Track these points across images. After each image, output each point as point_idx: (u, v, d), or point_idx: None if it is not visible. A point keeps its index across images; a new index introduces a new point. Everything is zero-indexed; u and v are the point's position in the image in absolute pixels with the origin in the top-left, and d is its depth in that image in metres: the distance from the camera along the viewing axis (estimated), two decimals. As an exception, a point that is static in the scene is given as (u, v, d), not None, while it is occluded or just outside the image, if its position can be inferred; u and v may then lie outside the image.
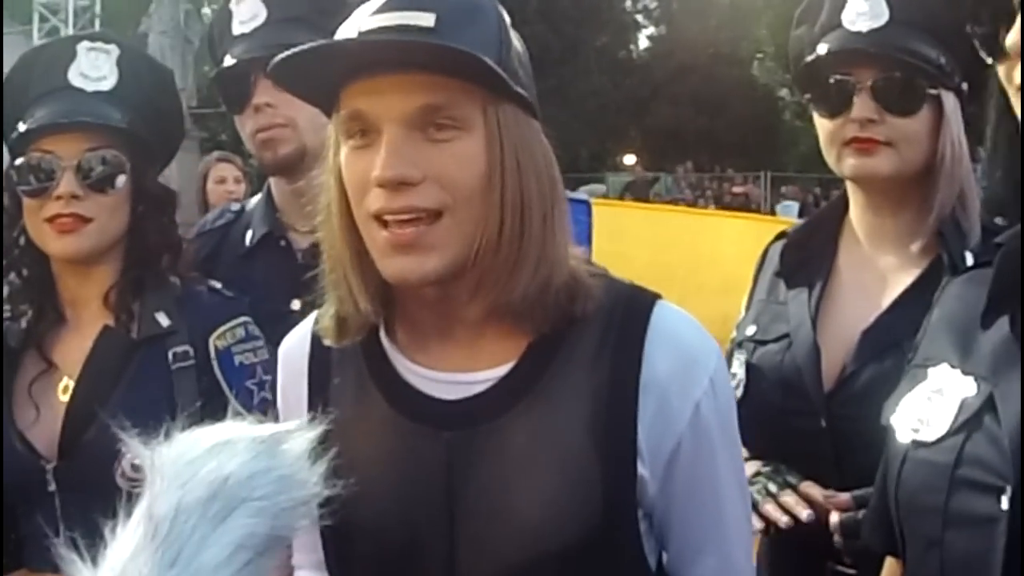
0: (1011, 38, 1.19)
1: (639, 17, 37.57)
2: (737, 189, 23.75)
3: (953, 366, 1.36)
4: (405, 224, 1.36)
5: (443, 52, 1.33)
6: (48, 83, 2.16)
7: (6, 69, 2.24)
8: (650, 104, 32.04)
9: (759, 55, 33.75)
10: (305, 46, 1.34)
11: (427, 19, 1.36)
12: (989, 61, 1.24)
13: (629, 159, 29.55)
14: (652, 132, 31.69)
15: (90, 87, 2.16)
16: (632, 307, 1.49)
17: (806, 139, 29.09)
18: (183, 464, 1.17)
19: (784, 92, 32.11)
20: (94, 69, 2.17)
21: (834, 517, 1.90)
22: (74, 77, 2.15)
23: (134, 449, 1.20)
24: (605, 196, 22.78)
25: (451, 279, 1.41)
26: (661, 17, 37.14)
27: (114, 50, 2.20)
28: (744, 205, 22.46)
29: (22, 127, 2.11)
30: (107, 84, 2.17)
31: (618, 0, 35.48)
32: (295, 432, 1.27)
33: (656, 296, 1.52)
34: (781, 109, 32.59)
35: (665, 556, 1.53)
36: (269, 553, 1.19)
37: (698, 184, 24.78)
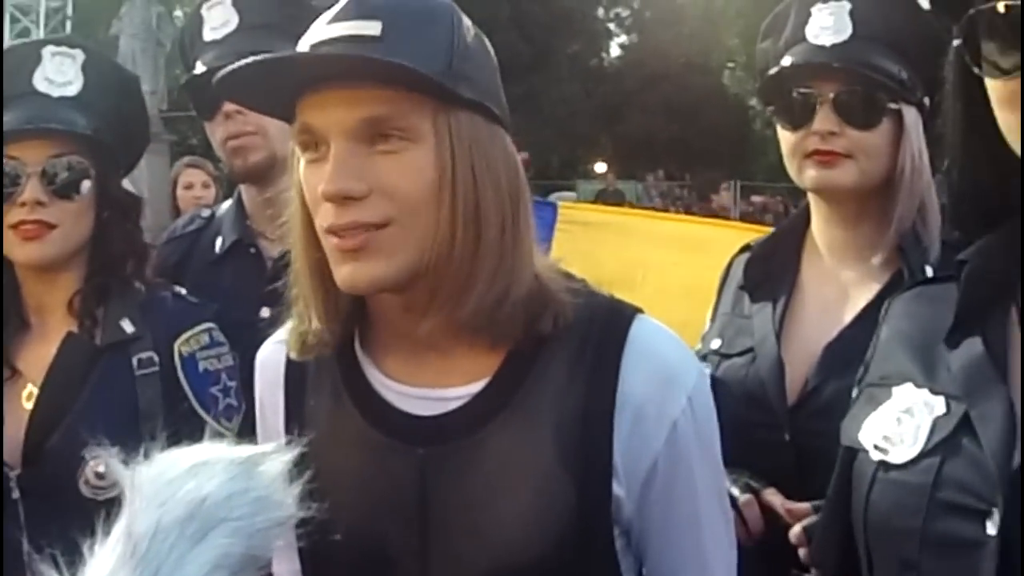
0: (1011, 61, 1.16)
1: (611, 25, 37.63)
2: (710, 197, 23.80)
3: (919, 385, 1.33)
4: (355, 230, 1.35)
5: (380, 66, 1.32)
6: (12, 87, 2.13)
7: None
8: (622, 112, 32.05)
9: (730, 64, 33.86)
10: (246, 61, 1.33)
11: (374, 28, 1.35)
12: (976, 71, 1.22)
13: (600, 167, 29.53)
14: (623, 140, 31.68)
15: (55, 92, 2.14)
16: (610, 323, 1.47)
17: (775, 149, 29.04)
18: (162, 484, 1.18)
19: (755, 102, 32.16)
20: (59, 74, 2.15)
21: (796, 528, 1.90)
22: (39, 82, 2.13)
23: (112, 468, 1.20)
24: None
25: (403, 288, 1.40)
26: (633, 25, 37.22)
27: (79, 55, 2.18)
28: (714, 213, 22.52)
29: None
30: (72, 89, 2.15)
31: (590, 8, 35.49)
32: (272, 454, 1.27)
33: (636, 311, 1.50)
34: (752, 118, 32.66)
35: (644, 573, 1.52)
36: (244, 573, 1.19)
37: (668, 192, 24.82)
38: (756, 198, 23.29)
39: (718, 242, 2.43)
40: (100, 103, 2.18)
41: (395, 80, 1.33)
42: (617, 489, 1.42)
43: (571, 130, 29.68)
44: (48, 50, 2.17)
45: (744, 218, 21.56)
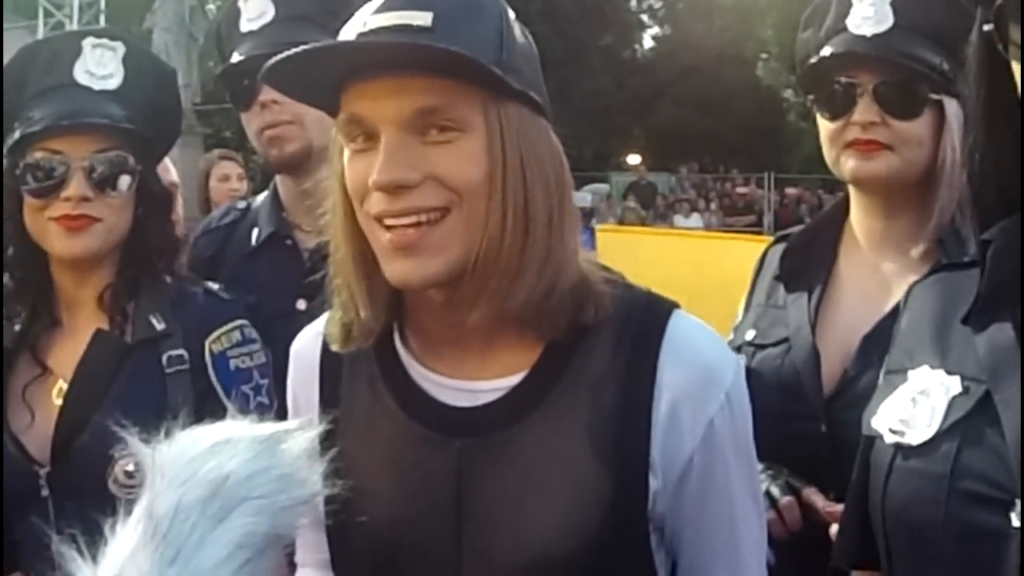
0: None
1: (644, 17, 37.53)
2: (740, 190, 23.73)
3: (934, 367, 1.32)
4: (408, 226, 1.34)
5: (436, 53, 1.30)
6: (52, 79, 2.11)
7: (11, 65, 2.21)
8: (654, 104, 32.01)
9: (763, 56, 33.69)
10: (296, 50, 1.32)
11: (424, 18, 1.34)
12: (1004, 54, 1.21)
13: (633, 159, 29.52)
14: (656, 132, 31.65)
15: (96, 85, 2.12)
16: (648, 317, 1.46)
17: (810, 140, 28.98)
18: (183, 463, 1.18)
19: (788, 93, 32.03)
20: (100, 67, 2.13)
21: (835, 527, 1.89)
22: (80, 74, 2.11)
23: (133, 447, 1.20)
24: (609, 196, 22.80)
25: (453, 282, 1.38)
26: (665, 17, 37.11)
27: (120, 47, 2.17)
28: (748, 206, 22.47)
29: (23, 126, 2.07)
30: (113, 83, 2.14)
31: (622, 0, 35.45)
32: (295, 431, 1.26)
33: (674, 305, 1.49)
34: (785, 110, 32.53)
35: (678, 568, 1.50)
36: (268, 551, 1.19)
37: (701, 184, 24.76)
38: (790, 190, 23.20)
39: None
40: (139, 97, 2.17)
41: (450, 70, 1.32)
42: (653, 483, 1.41)
43: (604, 122, 29.64)
44: (88, 42, 2.15)
45: (778, 210, 21.51)
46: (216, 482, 1.16)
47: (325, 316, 1.57)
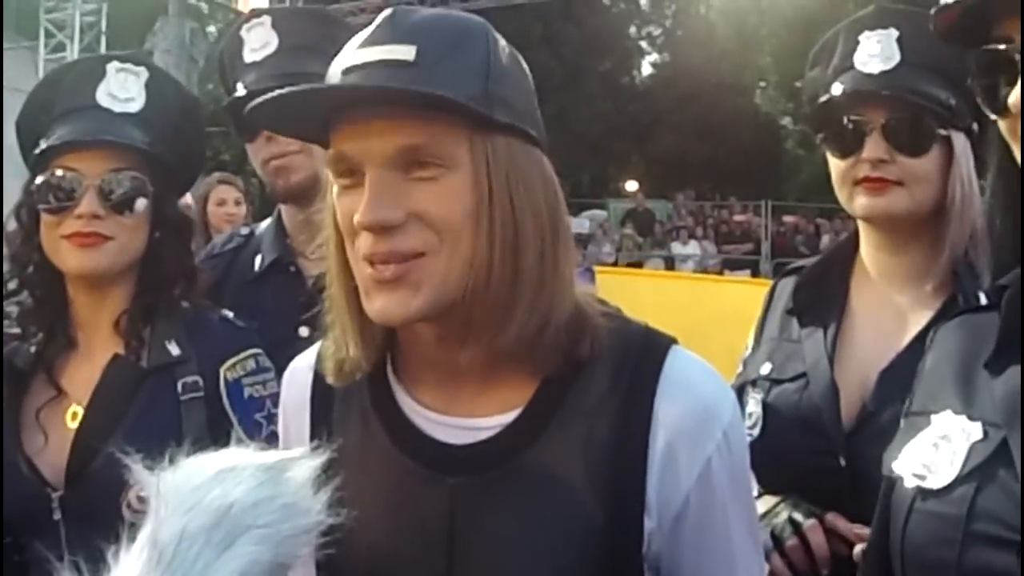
0: (1013, 97, 1.19)
1: (643, 44, 37.66)
2: (738, 218, 23.73)
3: (957, 412, 1.32)
4: (389, 263, 1.33)
5: (416, 96, 1.30)
6: (75, 101, 2.15)
7: (14, 83, 2.23)
8: (653, 131, 32.07)
9: (762, 84, 33.77)
10: (278, 93, 1.31)
11: (408, 52, 1.33)
12: (992, 117, 1.24)
13: (631, 185, 29.56)
14: (654, 159, 31.71)
15: (117, 108, 2.15)
16: (646, 352, 1.45)
17: (808, 168, 29.09)
18: (188, 491, 1.17)
19: (786, 121, 32.13)
20: (122, 90, 2.16)
21: (858, 548, 1.87)
22: (102, 97, 2.15)
23: (138, 475, 1.19)
24: (605, 223, 22.81)
25: (439, 318, 1.37)
26: (664, 44, 37.23)
27: (143, 72, 2.20)
28: (745, 233, 22.45)
29: (44, 143, 2.10)
30: (134, 106, 2.17)
31: (622, 27, 35.58)
32: (299, 460, 1.26)
33: (671, 341, 1.48)
34: (783, 138, 32.60)
35: None
36: None
37: (699, 212, 24.76)
38: (787, 218, 23.19)
39: (758, 298, 2.42)
40: (160, 122, 2.19)
41: (433, 108, 1.31)
42: (648, 524, 1.40)
43: (602, 148, 29.73)
44: (113, 66, 2.18)
45: (775, 238, 21.50)
46: (221, 510, 1.16)
47: (318, 345, 1.56)
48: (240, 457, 1.24)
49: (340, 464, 1.44)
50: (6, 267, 2.19)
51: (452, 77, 1.32)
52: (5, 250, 2.19)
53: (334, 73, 1.39)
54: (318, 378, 1.56)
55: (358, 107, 1.34)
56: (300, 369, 1.63)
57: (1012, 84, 1.18)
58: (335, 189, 1.40)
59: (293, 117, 1.40)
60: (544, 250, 1.39)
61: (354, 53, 1.37)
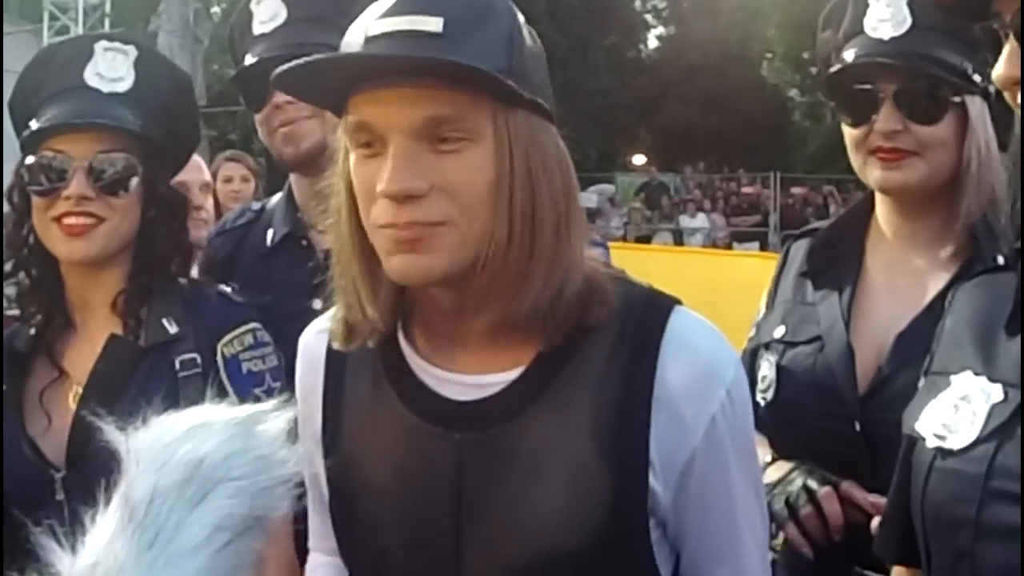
0: (996, 71, 1.22)
1: (648, 17, 37.56)
2: (746, 190, 23.71)
3: (977, 373, 1.34)
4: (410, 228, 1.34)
5: (447, 66, 1.30)
6: (63, 82, 2.13)
7: (18, 66, 2.22)
8: (660, 104, 32.01)
9: (768, 55, 33.72)
10: (307, 59, 1.32)
11: (435, 23, 1.33)
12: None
13: (639, 159, 29.53)
14: (661, 132, 31.68)
15: (106, 88, 2.13)
16: (649, 313, 1.46)
17: (815, 139, 29.07)
18: (159, 448, 1.19)
19: (794, 92, 32.09)
20: (111, 70, 2.14)
21: (876, 521, 1.86)
22: (90, 77, 2.13)
23: (109, 434, 1.21)
24: (614, 197, 22.80)
25: (457, 283, 1.39)
26: (670, 17, 37.13)
27: (132, 51, 2.17)
28: (753, 205, 22.43)
29: (34, 125, 2.09)
30: (123, 86, 2.14)
31: (627, 0, 35.47)
32: (271, 412, 1.27)
33: (674, 302, 1.49)
34: (791, 109, 32.56)
35: (681, 565, 1.51)
36: (249, 533, 1.19)
37: (707, 184, 24.73)
38: (796, 190, 23.17)
39: (768, 272, 2.41)
40: (151, 101, 2.17)
41: (462, 80, 1.31)
42: (653, 482, 1.42)
43: (608, 122, 29.65)
44: (100, 45, 2.16)
45: (784, 210, 21.48)
46: (192, 465, 1.17)
47: (330, 312, 1.57)
48: (212, 413, 1.25)
49: (352, 423, 1.51)
50: (5, 251, 2.18)
51: (479, 50, 1.33)
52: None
53: (354, 41, 1.39)
54: (332, 344, 1.57)
55: (383, 77, 1.34)
56: (313, 338, 1.65)
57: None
58: (352, 157, 1.40)
59: (316, 85, 1.41)
60: (560, 224, 1.40)
61: (377, 21, 1.37)
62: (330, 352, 1.59)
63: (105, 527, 1.14)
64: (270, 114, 2.50)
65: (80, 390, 2.09)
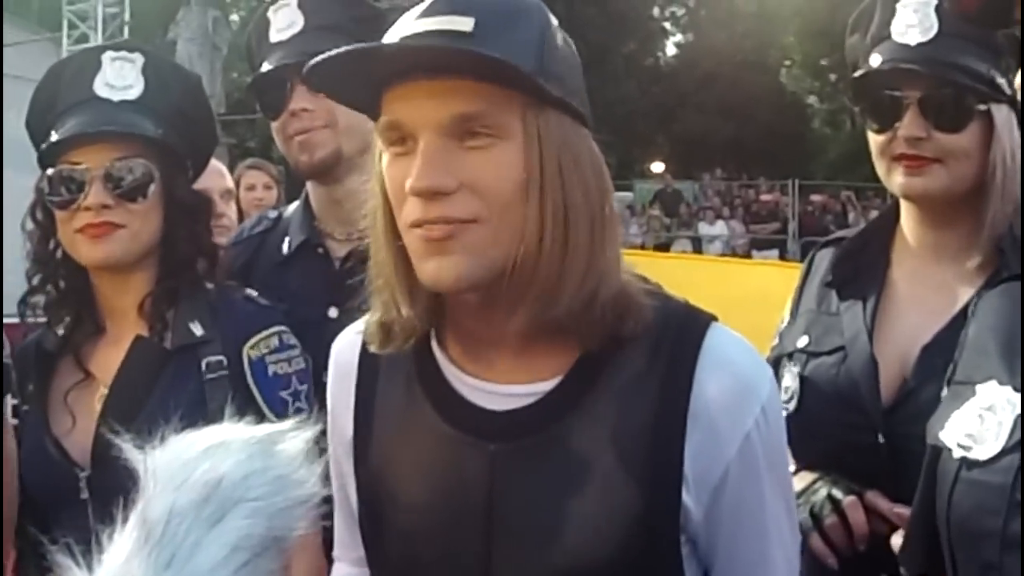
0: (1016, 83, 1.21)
1: (666, 24, 37.62)
2: (765, 197, 23.66)
3: (1003, 383, 1.32)
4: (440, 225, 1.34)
5: (477, 59, 1.30)
6: (75, 95, 2.16)
7: (38, 75, 2.25)
8: (678, 112, 32.03)
9: (787, 63, 33.72)
10: (338, 50, 1.32)
11: (466, 23, 1.34)
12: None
13: (657, 166, 29.51)
14: (680, 139, 31.69)
15: (116, 96, 2.15)
16: (685, 329, 1.45)
17: (834, 147, 29.07)
18: (177, 467, 1.17)
19: (812, 99, 32.06)
20: (119, 78, 2.17)
21: (896, 537, 1.84)
22: (100, 87, 2.15)
23: (127, 452, 1.20)
24: (632, 205, 22.79)
25: (489, 286, 1.38)
26: (688, 25, 37.19)
27: (138, 58, 2.20)
28: (772, 213, 22.38)
29: (53, 138, 2.12)
30: (133, 93, 2.17)
31: (645, 8, 35.51)
32: (290, 432, 1.26)
33: (711, 318, 1.48)
34: (809, 116, 32.53)
35: None
36: (267, 554, 1.18)
37: (726, 192, 24.70)
38: (815, 197, 23.11)
39: (782, 281, 2.39)
40: (162, 105, 2.19)
41: (491, 75, 1.31)
42: (686, 497, 1.40)
43: (627, 130, 29.64)
44: (107, 56, 2.19)
45: (803, 218, 21.43)
46: (210, 484, 1.16)
47: (365, 318, 1.56)
48: (230, 432, 1.24)
49: (384, 431, 1.51)
50: (30, 266, 2.22)
51: (508, 49, 1.32)
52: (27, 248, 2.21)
53: (388, 42, 1.39)
54: (365, 350, 1.57)
55: (414, 73, 1.34)
56: (347, 342, 1.65)
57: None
58: (385, 158, 1.41)
59: (346, 81, 1.40)
60: (594, 226, 1.40)
61: (411, 23, 1.37)
62: (363, 360, 1.59)
63: (122, 546, 1.13)
64: (286, 122, 2.51)
65: (105, 391, 2.12)
